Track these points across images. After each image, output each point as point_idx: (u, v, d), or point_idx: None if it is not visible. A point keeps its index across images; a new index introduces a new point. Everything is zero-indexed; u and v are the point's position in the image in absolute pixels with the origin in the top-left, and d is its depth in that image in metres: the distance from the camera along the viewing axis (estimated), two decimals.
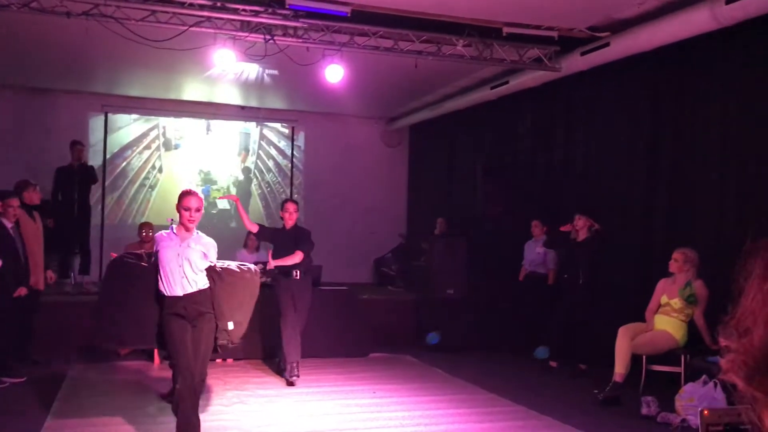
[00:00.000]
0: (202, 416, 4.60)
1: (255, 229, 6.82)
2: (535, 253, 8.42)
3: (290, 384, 6.51)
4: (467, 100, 9.77)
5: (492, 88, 9.01)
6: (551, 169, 8.79)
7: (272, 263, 6.56)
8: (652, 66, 7.10)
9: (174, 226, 4.70)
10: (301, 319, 6.74)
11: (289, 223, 6.78)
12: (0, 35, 7.72)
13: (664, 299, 6.09)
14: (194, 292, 4.54)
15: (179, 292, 4.51)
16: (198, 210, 4.67)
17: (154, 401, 5.73)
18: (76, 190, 9.10)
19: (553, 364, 7.45)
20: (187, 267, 4.54)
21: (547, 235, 8.12)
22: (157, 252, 4.65)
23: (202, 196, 4.85)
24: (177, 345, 4.44)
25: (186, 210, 4.64)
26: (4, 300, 6.19)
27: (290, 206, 6.81)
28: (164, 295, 4.55)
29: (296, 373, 6.59)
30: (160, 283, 4.58)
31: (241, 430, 5.06)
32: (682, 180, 6.78)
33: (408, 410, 5.73)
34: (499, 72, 8.74)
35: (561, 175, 8.57)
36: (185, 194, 4.73)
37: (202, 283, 4.60)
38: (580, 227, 7.26)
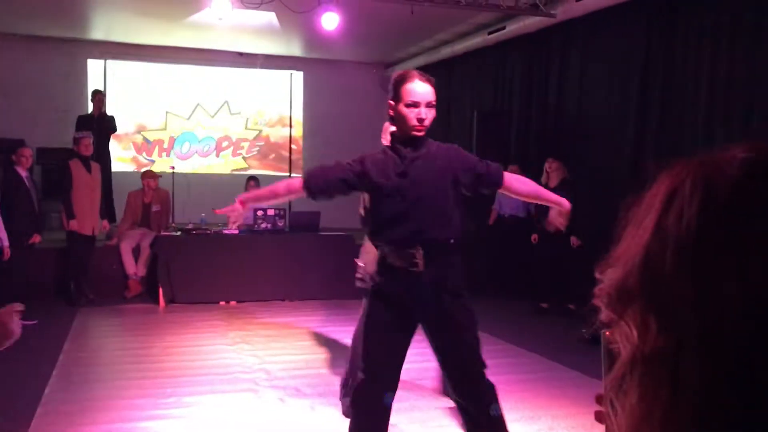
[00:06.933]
0: (207, 358, 4.84)
1: None
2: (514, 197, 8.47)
3: None
4: (464, 45, 9.78)
5: (489, 33, 9.02)
6: (545, 115, 8.86)
7: None
8: (647, 12, 7.11)
9: None
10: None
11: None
12: None
13: None
14: None
15: None
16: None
17: (157, 342, 5.99)
18: (95, 138, 9.13)
19: (543, 305, 7.68)
20: None
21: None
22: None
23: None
24: None
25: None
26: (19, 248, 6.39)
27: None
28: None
29: None
30: None
31: (244, 366, 5.32)
32: (671, 129, 6.81)
33: None
34: (497, 17, 8.74)
35: (554, 121, 8.65)
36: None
37: None
38: (552, 170, 7.36)
